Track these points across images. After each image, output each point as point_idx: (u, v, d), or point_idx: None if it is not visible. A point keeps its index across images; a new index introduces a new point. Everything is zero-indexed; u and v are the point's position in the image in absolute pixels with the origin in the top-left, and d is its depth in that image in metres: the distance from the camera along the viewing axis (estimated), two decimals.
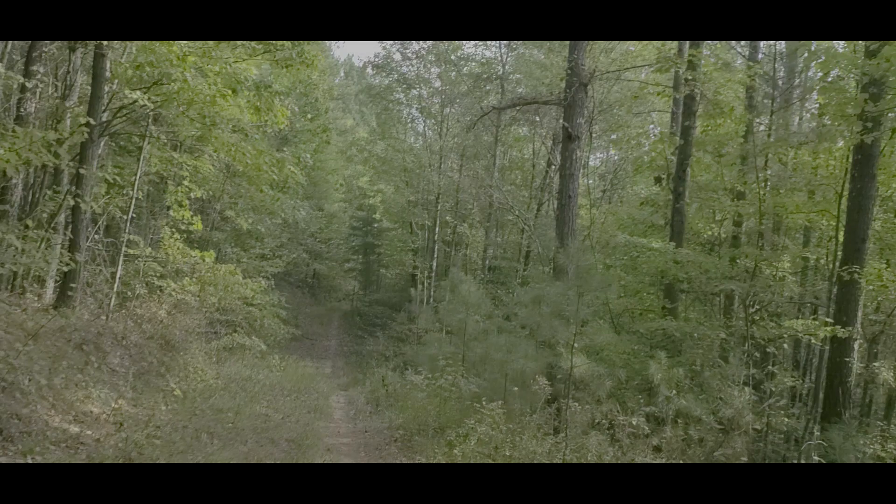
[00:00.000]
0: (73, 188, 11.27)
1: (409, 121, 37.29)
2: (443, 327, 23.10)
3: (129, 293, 16.17)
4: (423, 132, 35.06)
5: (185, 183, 14.36)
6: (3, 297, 10.90)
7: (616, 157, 27.23)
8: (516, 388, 9.19)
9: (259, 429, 10.04)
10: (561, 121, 12.78)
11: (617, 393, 8.99)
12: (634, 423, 7.86)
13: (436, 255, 30.91)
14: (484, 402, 8.40)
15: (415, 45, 31.61)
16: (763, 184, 10.91)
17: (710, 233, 14.09)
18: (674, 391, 8.50)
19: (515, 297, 13.31)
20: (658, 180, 14.55)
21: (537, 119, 28.05)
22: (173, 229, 15.99)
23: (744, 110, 13.57)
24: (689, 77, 12.05)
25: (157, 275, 16.94)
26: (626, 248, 12.44)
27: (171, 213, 15.21)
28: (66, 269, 11.05)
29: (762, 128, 13.97)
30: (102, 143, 14.38)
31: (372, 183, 39.12)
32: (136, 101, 11.31)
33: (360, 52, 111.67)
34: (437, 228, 31.14)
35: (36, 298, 12.85)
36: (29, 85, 9.32)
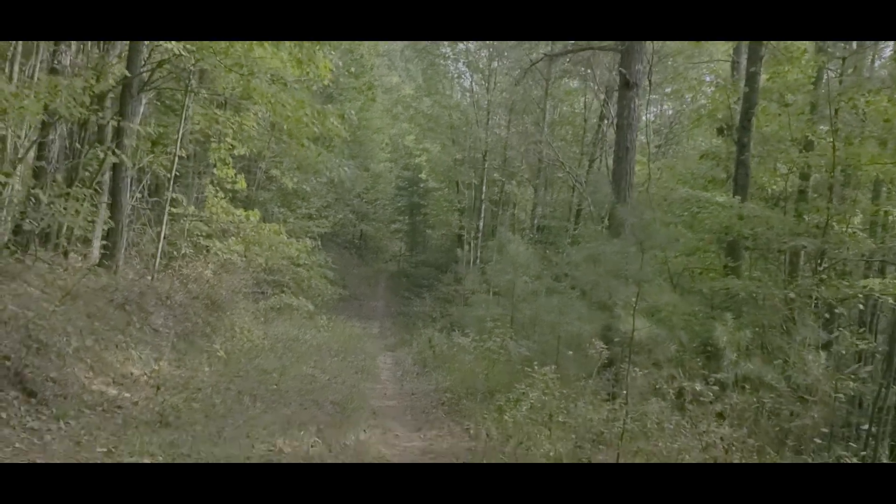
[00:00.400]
0: (113, 145, 11.01)
1: (455, 76, 36.50)
2: (490, 288, 22.69)
3: (175, 253, 16.09)
4: (469, 87, 34.17)
5: (228, 140, 14.03)
6: (45, 258, 10.78)
7: (671, 111, 26.03)
8: (570, 352, 8.68)
9: (304, 390, 9.80)
10: (617, 68, 11.99)
11: (676, 357, 8.41)
12: (698, 388, 7.31)
13: (482, 215, 30.33)
14: (535, 367, 7.93)
15: None
16: (835, 133, 10.03)
17: (774, 187, 13.21)
18: (737, 355, 7.88)
19: (567, 256, 12.72)
20: (720, 131, 13.66)
21: (589, 72, 27.06)
22: (217, 188, 15.76)
23: (814, 54, 12.57)
24: None
25: (204, 235, 16.81)
26: (687, 203, 11.68)
27: (214, 171, 14.94)
28: (105, 228, 10.84)
29: (832, 74, 12.96)
30: (144, 101, 14.14)
31: (418, 141, 38.58)
32: (176, 54, 10.96)
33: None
34: (483, 187, 30.51)
35: (80, 259, 12.78)
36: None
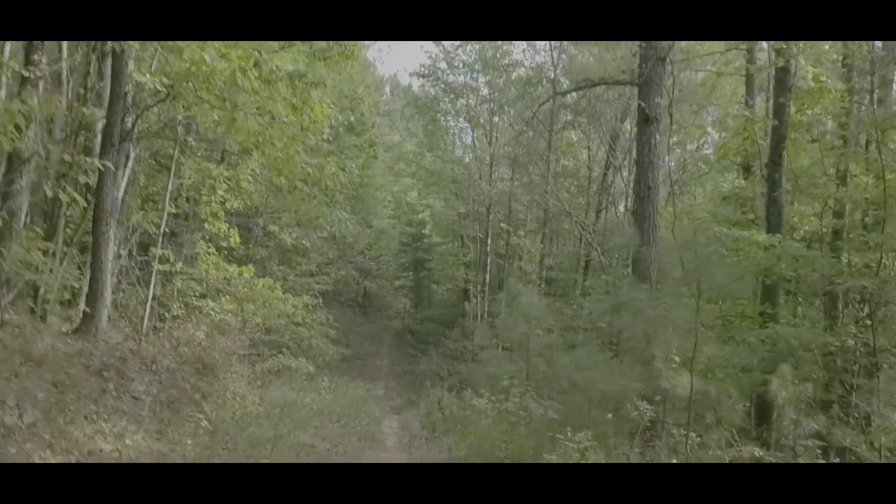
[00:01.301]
0: (92, 197, 10.18)
1: (457, 132, 36.24)
2: (499, 343, 21.66)
3: (167, 315, 15.12)
4: (471, 143, 33.74)
5: (220, 192, 13.21)
6: (17, 322, 9.81)
7: (681, 152, 25.29)
8: (609, 415, 7.58)
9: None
10: (637, 101, 11.23)
11: (725, 417, 7.36)
12: (758, 454, 6.24)
13: (489, 269, 29.54)
14: (568, 433, 6.87)
15: (461, 55, 30.53)
16: (882, 163, 9.17)
17: (807, 227, 12.29)
18: (797, 413, 6.84)
19: (588, 307, 11.72)
20: (747, 169, 12.84)
21: (593, 121, 26.54)
22: (210, 244, 14.89)
23: (842, 85, 11.82)
24: (783, 46, 10.42)
25: (197, 294, 15.87)
26: (719, 242, 10.75)
27: (206, 226, 14.08)
28: (76, 285, 9.91)
29: (863, 107, 12.21)
30: (132, 155, 13.40)
31: (421, 197, 38.12)
32: (161, 98, 10.21)
33: (406, 65, 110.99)
34: (489, 240, 29.77)
35: (63, 323, 11.81)
36: (28, 75, 8.23)
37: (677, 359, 6.78)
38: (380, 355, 32.95)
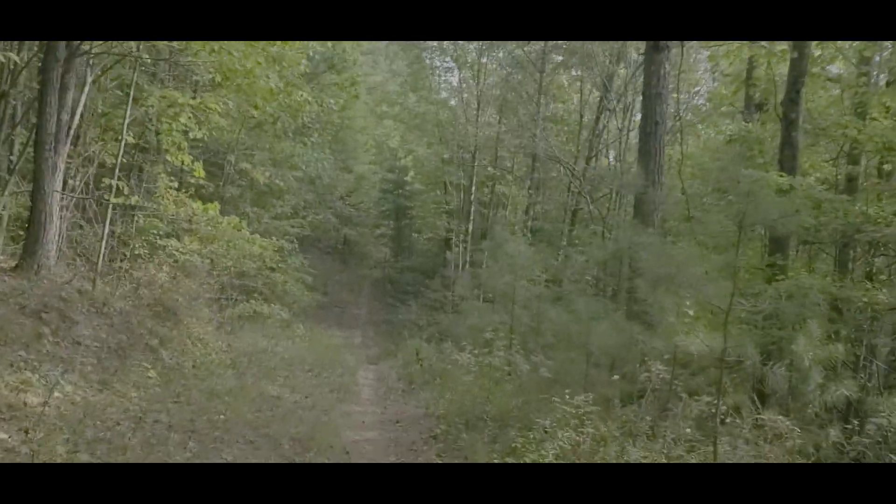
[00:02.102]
0: (29, 119, 9.00)
1: (442, 72, 34.78)
2: (481, 294, 20.85)
3: (128, 254, 14.03)
4: (458, 84, 32.33)
5: (182, 120, 11.98)
6: None
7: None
8: (616, 376, 6.70)
9: (259, 421, 7.77)
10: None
11: (735, 380, 6.52)
12: (782, 422, 5.41)
13: (472, 217, 28.51)
14: (566, 395, 5.99)
15: None
16: None
17: (818, 174, 11.37)
18: (824, 376, 5.98)
19: (586, 254, 10.77)
20: (760, 107, 11.84)
21: (583, 69, 25.32)
22: (172, 178, 13.70)
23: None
24: None
25: (161, 234, 14.74)
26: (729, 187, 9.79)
27: (168, 157, 12.88)
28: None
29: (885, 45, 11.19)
30: (88, 79, 12.13)
31: (403, 141, 36.78)
32: None
33: None
34: (473, 188, 28.67)
35: (7, 259, 10.72)
36: None
37: (691, 312, 5.90)
38: (358, 304, 32.16)
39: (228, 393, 8.96)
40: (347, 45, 28.80)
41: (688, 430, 5.81)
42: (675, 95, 20.19)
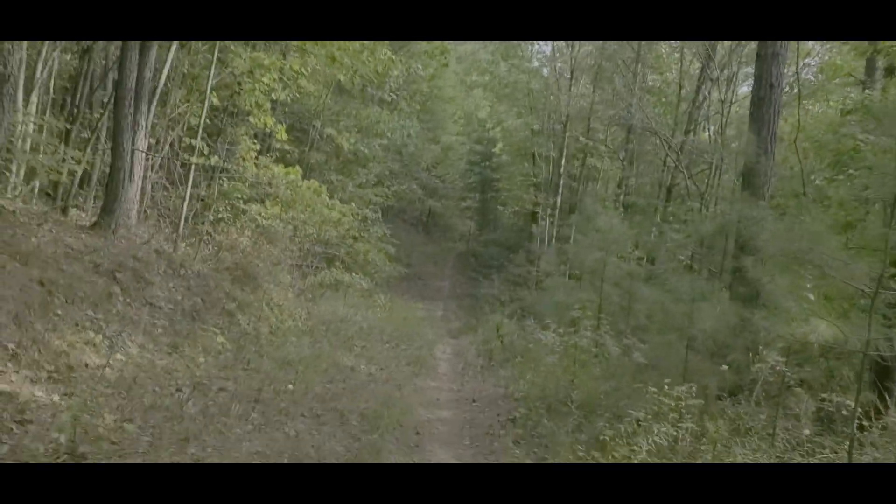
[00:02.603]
0: (112, 74, 8.82)
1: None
2: (567, 271, 20.05)
3: (211, 217, 13.99)
4: (551, 52, 31.19)
5: (265, 80, 11.68)
6: (29, 213, 8.71)
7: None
8: (725, 366, 5.89)
9: (329, 394, 7.37)
10: None
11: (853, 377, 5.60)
12: None
13: (560, 191, 27.54)
14: (666, 385, 5.27)
15: None
16: None
17: None
18: None
19: (690, 228, 9.85)
20: (891, 71, 10.51)
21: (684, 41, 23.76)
22: (256, 141, 13.47)
23: None
24: None
25: (245, 198, 14.64)
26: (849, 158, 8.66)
27: (250, 119, 12.64)
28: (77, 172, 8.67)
29: None
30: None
31: (493, 112, 35.98)
32: None
33: None
34: (563, 161, 27.64)
35: (90, 217, 10.74)
36: None
37: (811, 296, 5.06)
38: (441, 276, 31.84)
39: (301, 362, 8.64)
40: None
41: (807, 432, 5.01)
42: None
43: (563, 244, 23.06)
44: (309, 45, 12.66)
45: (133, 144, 9.97)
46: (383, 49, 10.97)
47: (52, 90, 10.65)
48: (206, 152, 11.25)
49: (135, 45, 9.10)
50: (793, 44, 10.89)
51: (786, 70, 11.90)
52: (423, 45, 26.79)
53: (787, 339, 5.04)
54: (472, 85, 36.88)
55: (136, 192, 10.78)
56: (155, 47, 10.44)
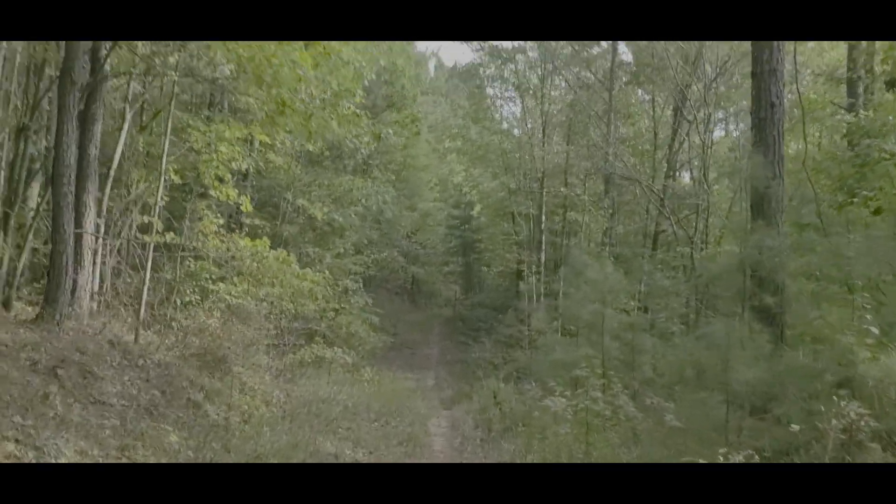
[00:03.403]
0: (45, 151, 8.00)
1: (503, 102, 33.77)
2: (560, 328, 19.21)
3: (179, 302, 13.02)
4: (521, 113, 31.14)
5: (222, 149, 10.91)
6: None
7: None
8: (796, 427, 4.92)
9: None
10: None
11: None
12: None
13: (543, 247, 26.95)
14: (720, 455, 4.30)
15: None
16: None
17: None
18: None
19: (700, 269, 9.06)
20: (891, 85, 9.94)
21: (656, 83, 23.67)
22: (219, 216, 12.64)
23: None
24: None
25: (213, 277, 13.70)
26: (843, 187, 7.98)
27: (212, 192, 11.83)
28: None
29: None
30: (130, 115, 11.33)
31: (468, 176, 35.84)
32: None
33: (448, 52, 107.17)
34: (543, 217, 27.15)
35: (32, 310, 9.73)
36: None
37: (875, 329, 4.21)
38: (429, 344, 30.84)
39: (276, 454, 7.60)
40: (406, 81, 28.05)
41: None
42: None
43: (553, 300, 22.30)
44: (276, 113, 11.98)
45: (80, 227, 9.08)
46: (349, 104, 10.26)
47: None
48: (160, 230, 10.33)
49: (71, 116, 8.30)
50: (790, 56, 10.35)
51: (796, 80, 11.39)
52: (394, 115, 26.55)
53: (859, 381, 4.16)
54: (446, 151, 36.77)
55: (88, 279, 9.84)
56: (99, 122, 9.70)
